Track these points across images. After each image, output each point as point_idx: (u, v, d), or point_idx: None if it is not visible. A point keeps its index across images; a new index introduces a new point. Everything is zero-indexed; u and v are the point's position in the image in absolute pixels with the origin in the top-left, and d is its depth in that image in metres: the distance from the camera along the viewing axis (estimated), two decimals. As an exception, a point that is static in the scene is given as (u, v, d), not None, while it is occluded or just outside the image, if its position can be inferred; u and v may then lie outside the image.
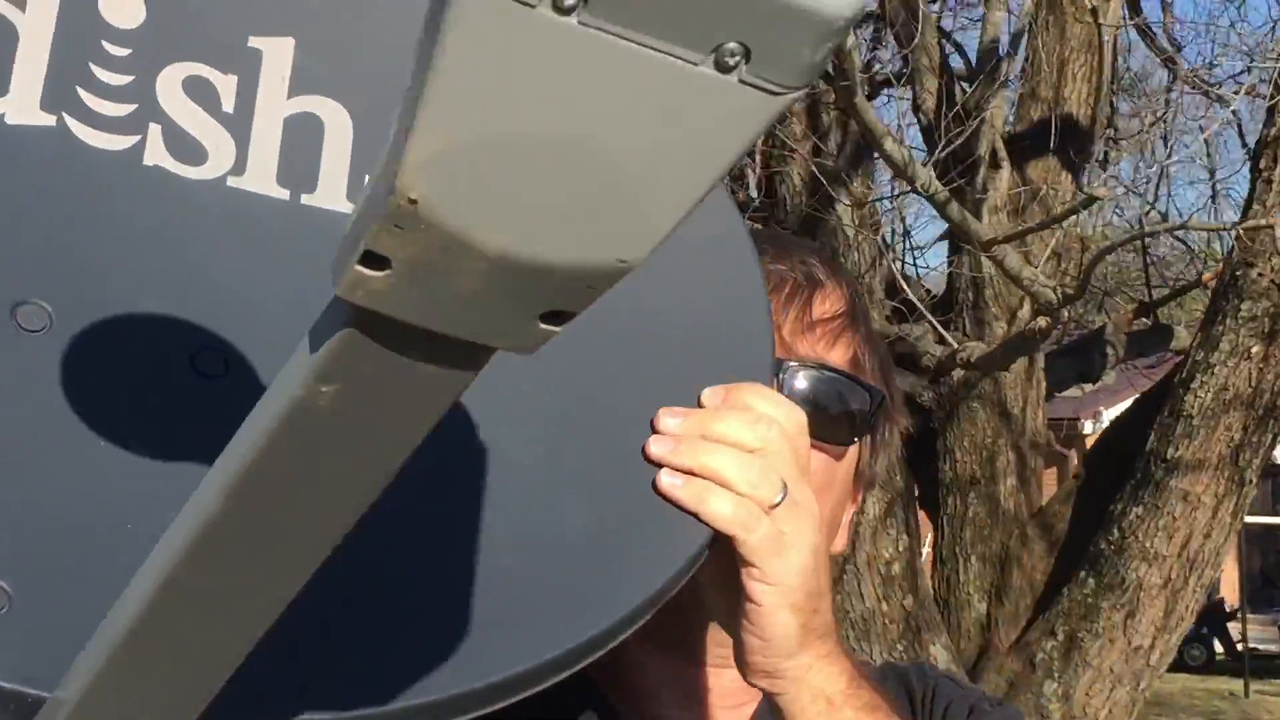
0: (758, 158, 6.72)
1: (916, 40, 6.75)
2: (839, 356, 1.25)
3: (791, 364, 1.20)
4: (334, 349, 0.59)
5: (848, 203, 6.33)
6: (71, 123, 0.94)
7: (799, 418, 1.02)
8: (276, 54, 1.04)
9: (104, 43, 0.97)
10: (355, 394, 0.60)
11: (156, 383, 0.90)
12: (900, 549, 6.95)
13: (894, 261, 7.99)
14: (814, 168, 6.96)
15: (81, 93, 0.95)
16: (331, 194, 1.02)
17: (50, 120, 0.93)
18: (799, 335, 1.23)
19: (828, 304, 1.26)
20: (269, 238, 0.99)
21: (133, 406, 0.89)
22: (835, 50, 0.55)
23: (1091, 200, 4.47)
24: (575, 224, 0.56)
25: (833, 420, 1.22)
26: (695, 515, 0.97)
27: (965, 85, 7.71)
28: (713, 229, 1.14)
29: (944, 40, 8.19)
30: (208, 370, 0.92)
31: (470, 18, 0.51)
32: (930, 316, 5.24)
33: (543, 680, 0.90)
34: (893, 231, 8.72)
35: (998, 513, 7.04)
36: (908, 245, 9.09)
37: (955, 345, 5.21)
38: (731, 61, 0.53)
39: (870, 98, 9.95)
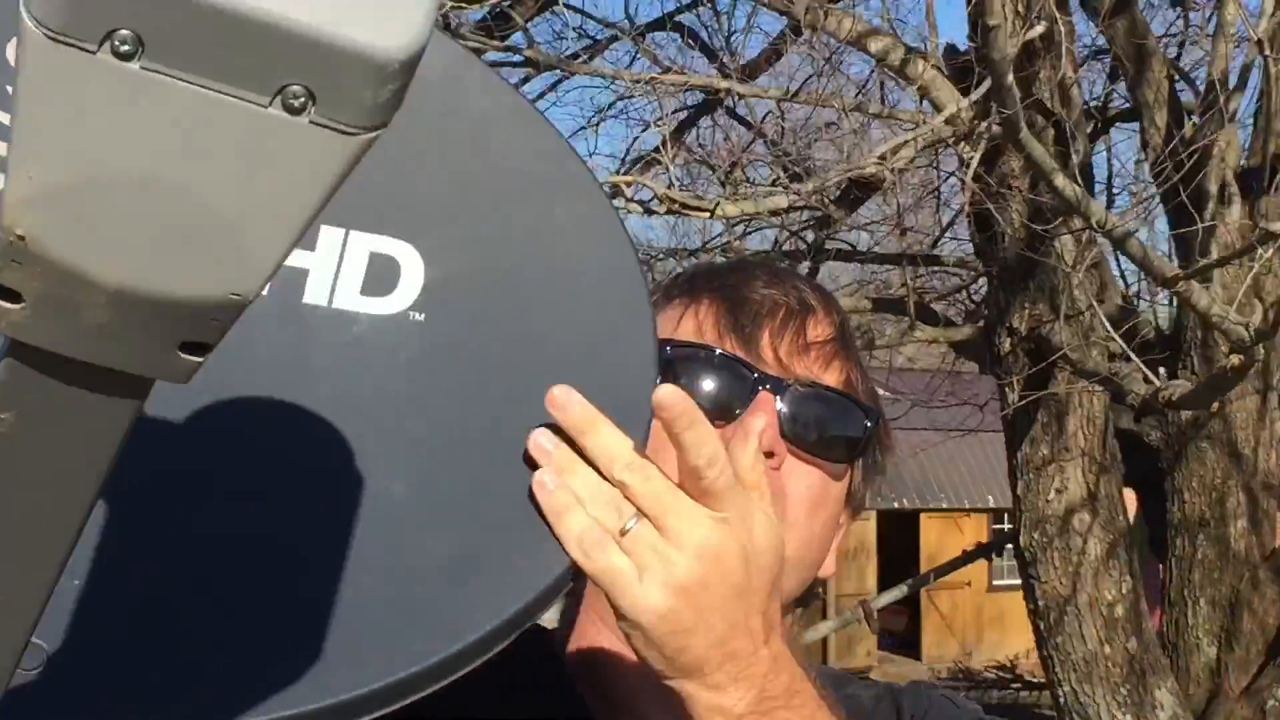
0: (967, 193, 6.64)
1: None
2: (833, 378, 1.27)
3: (790, 384, 1.23)
4: (1, 379, 0.63)
5: (1071, 233, 6.20)
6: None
7: (694, 416, 0.99)
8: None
9: (7, 86, 1.04)
10: (30, 422, 0.64)
11: None
12: (1123, 591, 6.77)
13: (1120, 297, 7.81)
14: (1031, 205, 6.84)
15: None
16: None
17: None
18: (795, 357, 1.26)
19: (820, 328, 1.29)
20: None
21: None
22: (401, 91, 0.57)
23: (1270, 236, 4.27)
24: (180, 259, 0.59)
25: (831, 440, 1.25)
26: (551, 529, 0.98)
27: (1196, 119, 7.49)
28: (603, 257, 1.15)
29: (1174, 74, 7.96)
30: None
31: (38, 63, 0.54)
32: (1134, 356, 5.11)
33: (389, 702, 0.94)
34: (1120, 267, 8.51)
35: (1228, 555, 6.85)
36: (1131, 281, 8.86)
37: (1158, 384, 5.06)
38: (297, 104, 0.56)
39: (1102, 132, 9.71)
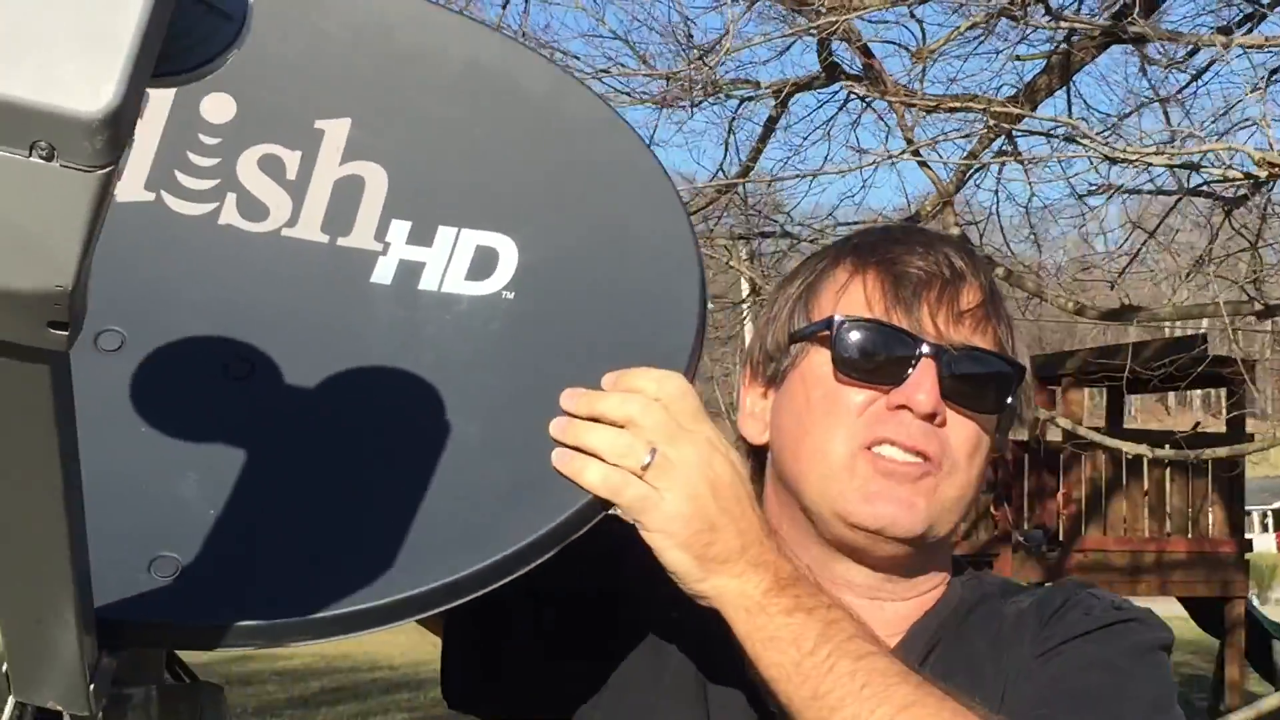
0: None
1: None
2: (984, 340, 1.45)
3: (947, 349, 1.42)
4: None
5: None
6: (167, 197, 1.35)
7: (672, 387, 1.27)
8: (336, 131, 1.39)
9: (200, 135, 1.37)
10: None
11: (196, 383, 1.28)
12: None
13: None
14: None
15: (177, 174, 1.35)
16: (362, 235, 1.36)
17: (150, 196, 1.34)
18: (950, 324, 1.44)
19: (971, 294, 1.46)
20: (302, 271, 1.34)
21: (176, 401, 1.28)
22: (116, 136, 0.79)
23: None
24: (14, 264, 0.85)
25: (983, 394, 1.45)
26: (576, 484, 1.24)
27: None
28: (662, 236, 1.39)
29: None
30: (237, 374, 1.29)
31: None
32: None
33: (449, 598, 1.21)
34: None
35: None
36: None
37: None
38: (46, 154, 0.80)
39: None
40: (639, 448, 1.23)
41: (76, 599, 1.07)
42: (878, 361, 1.43)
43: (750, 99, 9.26)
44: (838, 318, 1.45)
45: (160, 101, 1.37)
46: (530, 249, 1.37)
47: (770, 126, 9.65)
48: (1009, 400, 1.47)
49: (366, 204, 1.36)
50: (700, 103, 8.98)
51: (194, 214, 1.34)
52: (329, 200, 1.36)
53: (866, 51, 8.47)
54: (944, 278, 1.45)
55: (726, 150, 9.87)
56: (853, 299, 1.47)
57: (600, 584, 1.41)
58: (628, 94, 8.58)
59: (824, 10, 7.34)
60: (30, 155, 0.80)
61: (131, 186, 1.34)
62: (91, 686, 1.15)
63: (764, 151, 9.84)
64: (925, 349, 1.42)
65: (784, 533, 1.44)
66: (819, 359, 1.46)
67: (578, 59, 8.71)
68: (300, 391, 1.29)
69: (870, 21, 8.40)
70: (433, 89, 1.43)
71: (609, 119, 1.45)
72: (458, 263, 1.35)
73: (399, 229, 1.36)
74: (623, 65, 8.37)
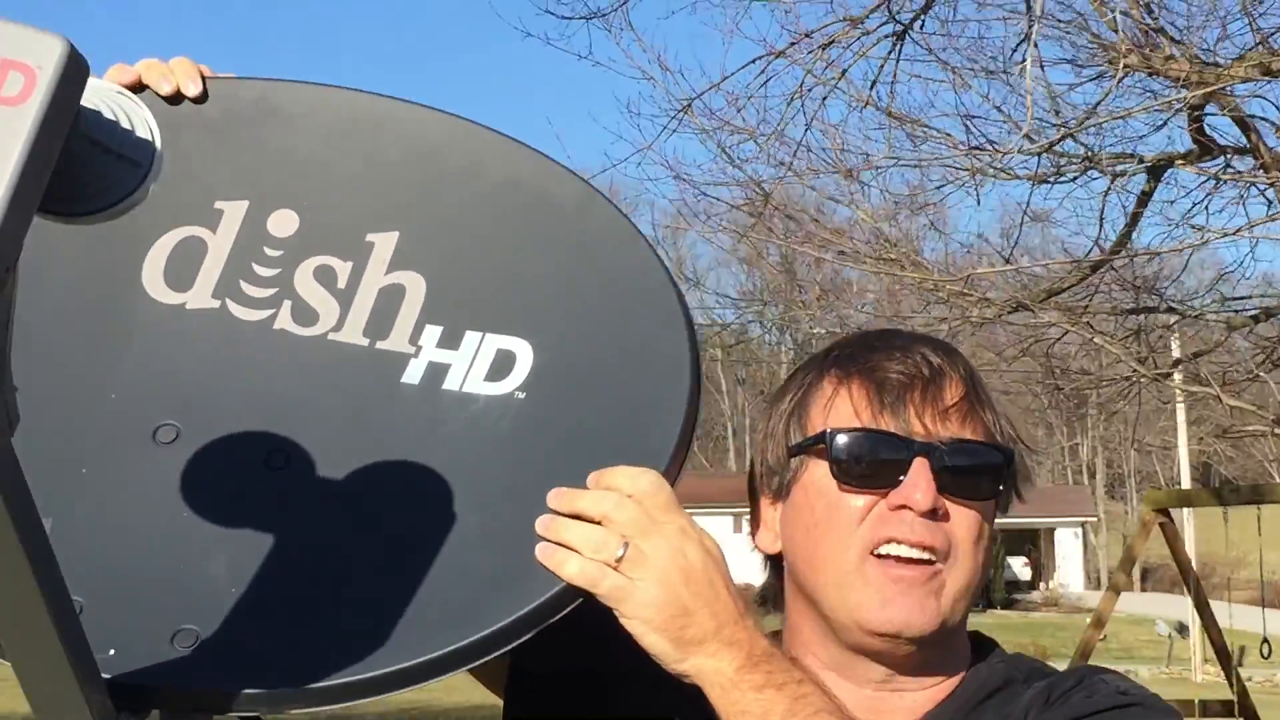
0: None
1: None
2: (971, 430, 1.53)
3: (938, 446, 1.49)
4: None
5: None
6: (230, 304, 1.51)
7: (645, 483, 1.36)
8: (384, 244, 1.52)
9: (265, 247, 1.53)
10: None
11: (242, 474, 1.44)
12: None
13: None
14: None
15: (242, 283, 1.51)
16: (398, 339, 1.48)
17: (216, 304, 1.51)
18: (937, 422, 1.51)
19: (953, 389, 1.53)
20: (342, 371, 1.47)
21: (229, 487, 1.43)
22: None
23: None
24: None
25: (978, 483, 1.52)
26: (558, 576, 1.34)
27: None
28: (662, 347, 1.47)
29: None
30: (275, 465, 1.44)
31: None
32: None
33: (434, 672, 1.33)
34: None
35: None
36: None
37: None
38: None
39: None
40: (613, 542, 1.33)
41: (73, 665, 1.22)
42: (873, 466, 1.50)
43: (1122, 174, 8.96)
44: (829, 430, 1.52)
45: (233, 218, 1.53)
46: (544, 352, 1.46)
47: (1144, 201, 9.30)
48: (1001, 486, 1.54)
49: (405, 310, 1.49)
50: (1076, 177, 8.80)
51: (252, 319, 1.50)
52: (372, 306, 1.49)
53: (1243, 124, 8.08)
54: (924, 377, 1.52)
55: (1101, 225, 9.60)
56: (840, 411, 1.54)
57: (597, 662, 1.49)
58: (1001, 170, 8.48)
59: (1193, 82, 7.05)
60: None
61: (201, 294, 1.50)
62: (108, 743, 1.30)
63: (1138, 226, 9.52)
64: (916, 448, 1.49)
65: (804, 634, 1.53)
66: (818, 471, 1.52)
67: (948, 135, 8.67)
68: (327, 482, 1.42)
69: (1236, 96, 8.00)
70: (472, 203, 1.55)
71: (628, 232, 1.54)
72: (479, 365, 1.46)
73: (431, 333, 1.47)
74: (994, 144, 8.28)
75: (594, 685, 1.56)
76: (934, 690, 1.54)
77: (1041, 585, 53.28)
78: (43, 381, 1.45)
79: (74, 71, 1.00)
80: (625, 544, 1.33)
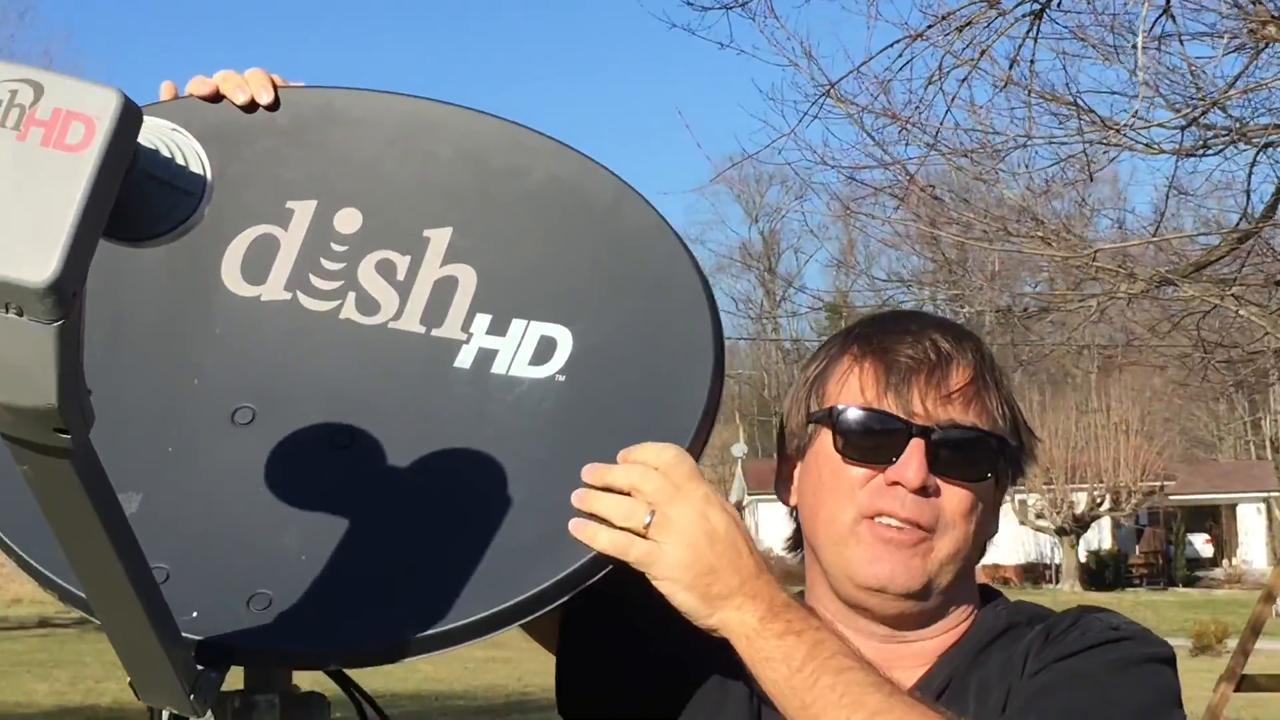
0: None
1: None
2: (970, 416, 1.64)
3: (934, 429, 1.61)
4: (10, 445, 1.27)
5: None
6: (300, 296, 1.65)
7: (668, 456, 1.50)
8: (439, 238, 1.65)
9: (331, 243, 1.67)
10: (35, 472, 1.25)
11: (311, 454, 1.59)
12: None
13: None
14: None
15: (311, 276, 1.66)
16: (451, 326, 1.62)
17: (288, 296, 1.66)
18: (939, 405, 1.63)
19: (959, 374, 1.65)
20: (400, 357, 1.62)
21: (300, 465, 1.59)
22: (62, 299, 1.08)
23: None
24: (18, 388, 1.16)
25: (969, 466, 1.63)
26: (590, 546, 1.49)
27: None
28: (688, 332, 1.61)
29: None
30: (340, 444, 1.59)
31: None
32: None
33: (482, 631, 1.49)
34: None
35: None
36: None
37: None
38: (15, 311, 1.10)
39: None
40: (640, 510, 1.47)
41: (155, 627, 1.38)
42: (873, 443, 1.63)
43: (1270, 145, 8.73)
44: (839, 406, 1.65)
45: (303, 216, 1.67)
46: (582, 338, 1.59)
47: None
48: (994, 468, 1.65)
49: (458, 300, 1.62)
50: (1222, 149, 8.62)
51: (320, 310, 1.64)
52: (428, 297, 1.63)
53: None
54: (931, 362, 1.64)
55: (1248, 196, 9.39)
56: (851, 387, 1.67)
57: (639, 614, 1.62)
58: (1146, 144, 8.36)
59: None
60: (7, 313, 1.10)
61: (274, 287, 1.65)
62: (192, 695, 1.46)
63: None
64: (914, 430, 1.61)
65: (815, 588, 1.68)
66: (827, 440, 1.66)
67: (1090, 111, 8.57)
68: (386, 459, 1.57)
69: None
70: (518, 201, 1.68)
71: (658, 225, 1.67)
72: (524, 350, 1.60)
73: (481, 321, 1.61)
74: (1141, 118, 8.13)
75: (640, 634, 1.68)
76: (942, 638, 1.67)
77: (1224, 562, 52.13)
78: (134, 370, 1.62)
79: (128, 119, 1.13)
80: (652, 511, 1.47)
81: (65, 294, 1.10)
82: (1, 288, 1.09)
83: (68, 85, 1.13)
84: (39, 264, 1.09)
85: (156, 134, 1.24)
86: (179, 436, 1.59)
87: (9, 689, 16.33)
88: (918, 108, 9.13)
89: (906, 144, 9.54)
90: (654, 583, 1.49)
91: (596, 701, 1.77)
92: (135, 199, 1.22)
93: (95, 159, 1.12)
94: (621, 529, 1.48)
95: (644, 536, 1.47)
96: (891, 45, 9.14)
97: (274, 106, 1.71)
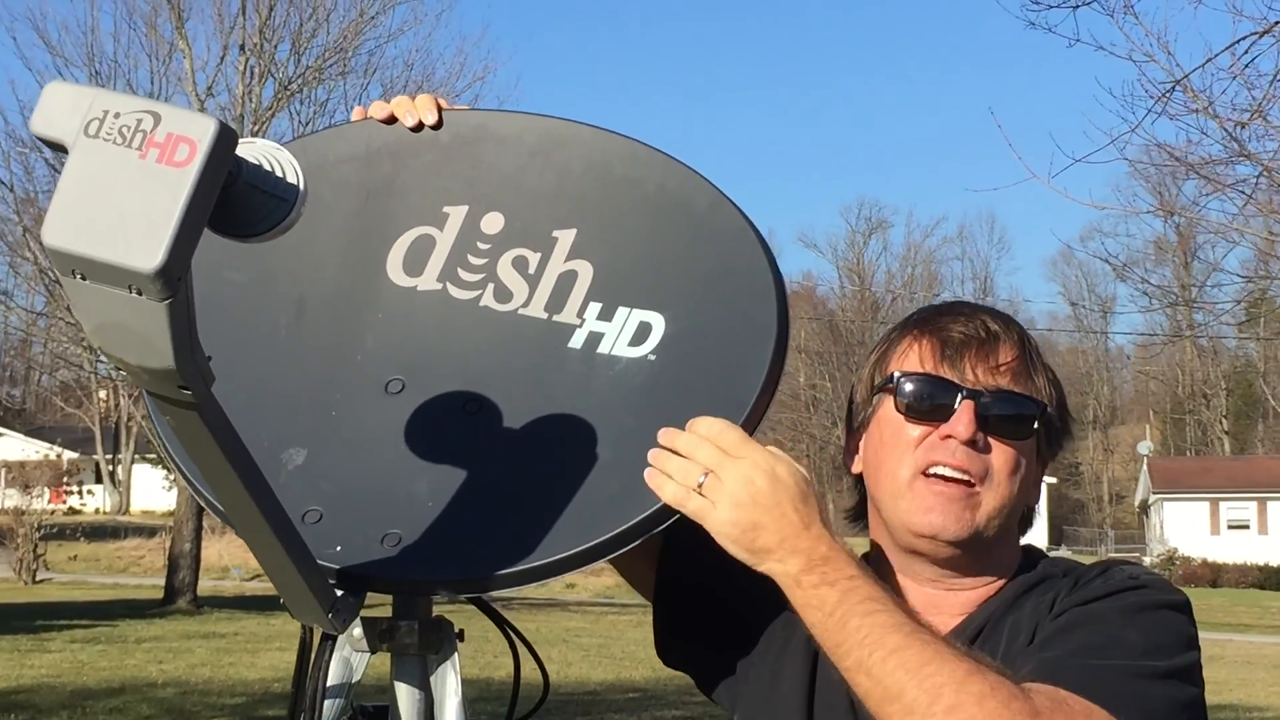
0: None
1: None
2: (1014, 385, 1.86)
3: (983, 393, 1.84)
4: (152, 401, 1.61)
5: None
6: (449, 286, 1.94)
7: (718, 427, 1.72)
8: (565, 238, 1.91)
9: (477, 242, 1.95)
10: (175, 421, 1.59)
11: (446, 418, 1.88)
12: None
13: None
14: None
15: (459, 270, 1.95)
16: (569, 313, 1.88)
17: (438, 287, 1.95)
18: (987, 375, 1.86)
19: (1006, 352, 1.87)
20: (526, 338, 1.89)
21: (435, 427, 1.88)
22: (170, 281, 1.42)
23: None
24: (138, 352, 1.50)
25: (1013, 425, 1.85)
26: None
27: None
28: (758, 321, 1.83)
29: None
30: (470, 410, 1.87)
31: (72, 284, 1.54)
32: None
33: (570, 566, 1.76)
34: None
35: None
36: None
37: None
38: (135, 291, 1.44)
39: None
40: (695, 471, 1.71)
41: (292, 557, 1.70)
42: (929, 403, 1.85)
43: None
44: (898, 373, 1.88)
45: (455, 219, 1.97)
46: (673, 323, 1.82)
47: None
48: (1034, 430, 1.85)
49: (576, 290, 1.88)
50: None
51: (464, 299, 1.93)
52: (553, 287, 1.89)
53: None
54: (980, 338, 1.86)
55: None
56: (910, 360, 1.90)
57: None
58: None
59: None
60: (130, 292, 1.43)
61: (428, 279, 1.95)
62: (330, 615, 1.77)
63: None
64: (964, 393, 1.83)
65: (877, 538, 1.89)
66: (889, 405, 1.87)
67: None
68: (505, 423, 1.84)
69: None
70: (632, 206, 1.93)
71: (742, 226, 1.91)
72: (625, 333, 1.84)
73: (593, 309, 1.86)
74: None
75: (722, 577, 1.86)
76: (985, 588, 1.87)
77: None
78: (311, 345, 1.95)
79: (223, 141, 1.43)
80: (705, 473, 1.69)
81: (171, 278, 1.41)
82: (124, 273, 1.41)
83: (179, 115, 1.44)
84: (150, 254, 1.40)
85: (261, 151, 1.54)
86: (341, 402, 1.90)
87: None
88: (1259, 102, 8.61)
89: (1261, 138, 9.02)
90: (710, 533, 1.70)
91: (687, 636, 2.02)
92: (241, 204, 1.52)
93: (195, 172, 1.41)
94: (680, 485, 1.71)
95: (699, 494, 1.69)
96: (1239, 41, 8.68)
97: (438, 126, 2.01)
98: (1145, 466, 63.64)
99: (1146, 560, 53.85)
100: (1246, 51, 8.85)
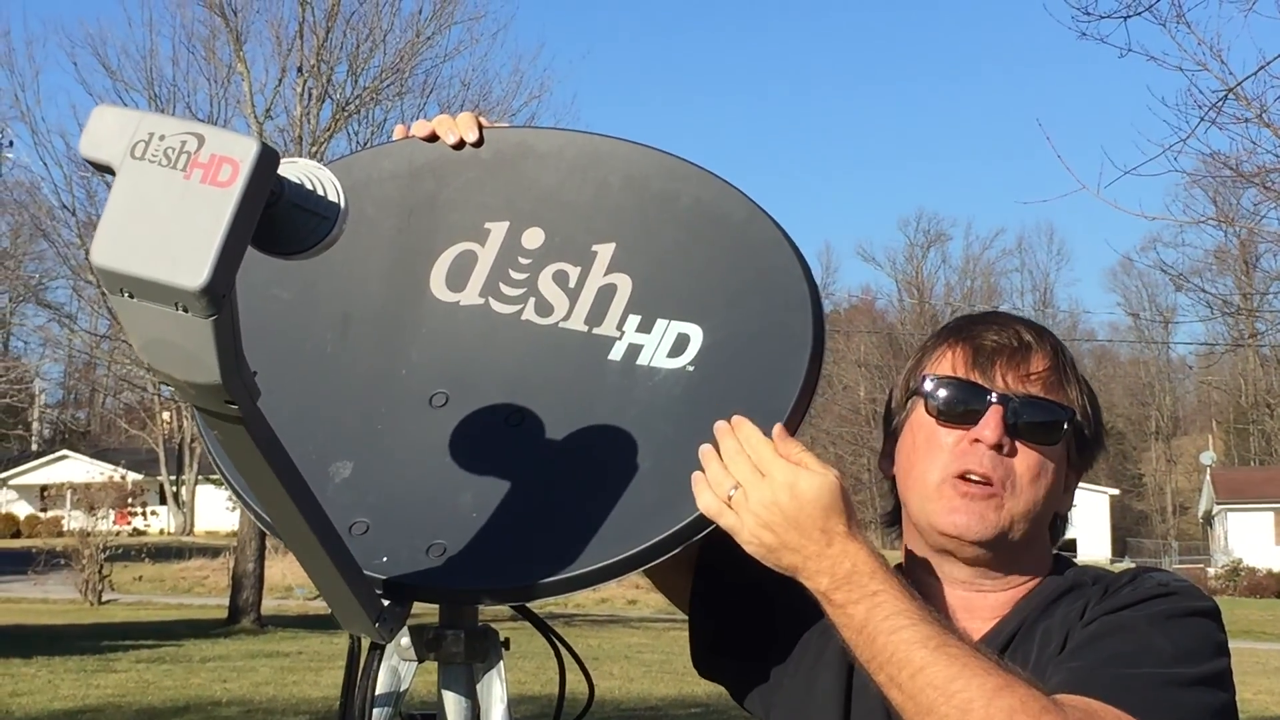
0: None
1: None
2: (1044, 393, 1.89)
3: (1011, 398, 1.87)
4: (200, 416, 1.65)
5: None
6: (491, 301, 1.98)
7: (755, 439, 1.73)
8: (604, 252, 1.94)
9: (519, 257, 1.99)
10: (222, 435, 1.64)
11: (489, 430, 1.91)
12: None
13: None
14: None
15: (500, 284, 1.98)
16: (609, 326, 1.91)
17: (481, 301, 1.98)
18: (1017, 382, 1.89)
19: (1038, 361, 1.91)
20: (567, 350, 1.92)
21: (478, 439, 1.92)
22: (215, 299, 1.46)
23: None
24: (186, 369, 1.55)
25: (1041, 431, 1.88)
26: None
27: None
28: (794, 331, 1.86)
29: None
30: (513, 423, 1.90)
31: (119, 302, 1.58)
32: None
33: (610, 575, 1.78)
34: None
35: None
36: None
37: None
38: (182, 309, 1.48)
39: None
40: (727, 481, 1.72)
41: (339, 568, 1.73)
42: (959, 408, 1.88)
43: None
44: (929, 378, 1.92)
45: (497, 234, 2.00)
46: (711, 334, 1.85)
47: None
48: (1062, 437, 1.88)
49: (615, 303, 1.91)
50: None
51: (506, 312, 1.96)
52: (593, 301, 1.92)
53: None
54: (1012, 347, 1.90)
55: None
56: (943, 366, 1.93)
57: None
58: None
59: None
60: (176, 309, 1.47)
61: (470, 294, 1.98)
62: (377, 624, 1.81)
63: None
64: (994, 398, 1.86)
65: (909, 539, 1.93)
66: (920, 410, 1.90)
67: None
68: (547, 434, 1.87)
69: None
70: (670, 220, 1.96)
71: (777, 238, 1.93)
72: (664, 344, 1.87)
73: (633, 321, 1.89)
74: None
75: (758, 586, 1.91)
76: (1015, 591, 1.90)
77: None
78: (357, 360, 1.99)
79: (265, 161, 1.47)
80: (735, 486, 1.71)
81: (216, 295, 1.44)
82: (170, 290, 1.45)
83: (222, 136, 1.48)
84: (195, 272, 1.44)
85: (303, 171, 1.58)
86: (387, 415, 1.94)
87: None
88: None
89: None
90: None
91: (723, 645, 2.05)
92: (284, 222, 1.56)
93: (239, 192, 1.45)
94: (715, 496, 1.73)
95: (729, 507, 1.71)
96: None
97: (479, 144, 2.05)
98: (1208, 477, 63.01)
99: (1211, 571, 53.27)
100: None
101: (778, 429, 1.73)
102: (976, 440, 1.84)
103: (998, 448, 1.84)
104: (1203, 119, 9.34)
